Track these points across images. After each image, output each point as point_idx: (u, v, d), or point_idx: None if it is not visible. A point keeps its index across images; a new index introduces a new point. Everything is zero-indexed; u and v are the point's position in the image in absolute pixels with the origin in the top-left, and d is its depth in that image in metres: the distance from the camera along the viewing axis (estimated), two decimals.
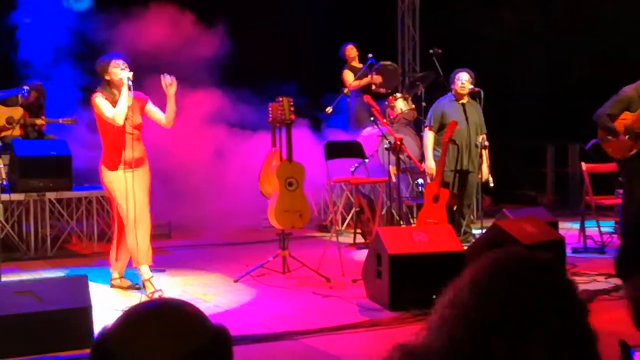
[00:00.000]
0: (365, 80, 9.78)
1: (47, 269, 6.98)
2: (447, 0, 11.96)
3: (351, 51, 10.10)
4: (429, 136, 7.69)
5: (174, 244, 8.55)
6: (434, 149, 7.65)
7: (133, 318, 1.21)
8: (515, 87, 11.78)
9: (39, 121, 8.40)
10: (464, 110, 7.58)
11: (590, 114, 8.00)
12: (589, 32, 11.22)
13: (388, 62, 9.96)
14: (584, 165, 8.05)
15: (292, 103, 6.72)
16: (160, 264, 7.22)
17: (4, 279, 5.64)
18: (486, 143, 7.52)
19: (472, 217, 7.81)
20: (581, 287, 5.59)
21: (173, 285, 6.33)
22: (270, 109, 6.78)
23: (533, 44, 12.10)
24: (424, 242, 5.43)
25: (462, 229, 7.54)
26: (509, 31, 11.90)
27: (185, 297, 5.83)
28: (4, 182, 6.39)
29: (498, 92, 8.31)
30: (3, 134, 8.12)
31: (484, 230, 6.99)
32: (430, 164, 7.59)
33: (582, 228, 7.83)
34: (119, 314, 1.24)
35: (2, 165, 5.83)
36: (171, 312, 1.22)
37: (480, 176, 7.52)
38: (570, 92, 11.28)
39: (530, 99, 12.00)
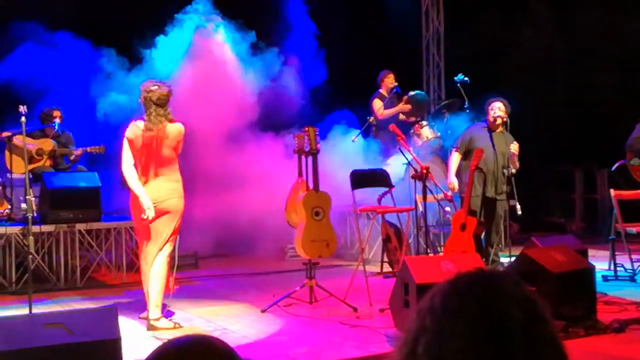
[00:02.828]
0: (396, 109, 9.79)
1: (77, 300, 7.04)
2: (471, 27, 11.99)
3: (392, 81, 9.94)
4: (453, 156, 7.66)
5: (201, 274, 8.58)
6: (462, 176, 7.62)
7: (166, 354, 1.24)
8: (541, 112, 11.72)
9: (72, 158, 8.54)
10: (492, 138, 7.53)
11: (618, 139, 7.97)
12: (616, 54, 11.17)
13: (416, 92, 9.96)
14: (612, 192, 7.96)
15: (317, 133, 6.77)
16: (187, 294, 7.26)
17: (34, 310, 5.70)
18: (512, 171, 7.46)
19: (500, 245, 7.73)
20: (612, 316, 5.57)
21: (200, 316, 6.34)
22: (296, 138, 6.83)
23: (559, 68, 12.06)
24: (452, 271, 5.38)
25: (491, 258, 7.48)
26: (534, 55, 11.88)
27: (212, 328, 5.84)
28: (35, 214, 6.49)
29: (524, 118, 8.26)
30: (33, 165, 8.24)
31: (512, 259, 6.94)
32: (450, 179, 7.56)
33: (613, 256, 7.73)
34: (150, 344, 1.27)
35: (32, 198, 5.90)
36: (202, 348, 1.25)
37: (516, 204, 7.43)
38: (598, 117, 11.21)
39: (557, 124, 11.93)
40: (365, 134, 9.85)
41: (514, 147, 7.42)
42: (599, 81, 11.29)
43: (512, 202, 7.64)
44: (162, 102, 5.82)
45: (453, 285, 1.29)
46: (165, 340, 1.31)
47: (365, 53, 11.37)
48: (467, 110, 9.16)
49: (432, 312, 1.24)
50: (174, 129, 5.85)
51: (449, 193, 7.52)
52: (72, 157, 8.60)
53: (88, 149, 8.45)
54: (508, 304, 1.22)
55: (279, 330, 5.76)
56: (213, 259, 9.28)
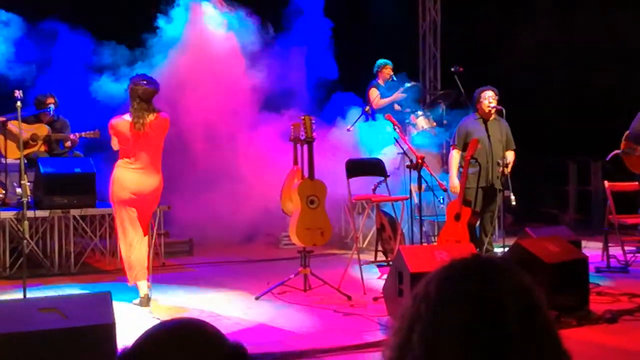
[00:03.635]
0: (391, 98, 9.77)
1: (71, 285, 7.04)
2: (468, 18, 11.98)
3: (390, 71, 9.92)
4: (454, 155, 7.64)
5: (195, 261, 8.58)
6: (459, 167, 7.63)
7: (153, 338, 1.24)
8: (536, 104, 11.74)
9: (67, 144, 8.51)
10: (487, 128, 7.55)
11: (613, 131, 7.98)
12: (611, 48, 11.18)
13: (411, 83, 9.95)
14: (606, 184, 7.99)
15: (313, 121, 6.77)
16: (181, 280, 7.27)
17: (28, 295, 5.70)
18: (507, 161, 7.47)
19: (494, 235, 7.76)
20: (605, 307, 5.61)
21: (194, 302, 6.35)
22: (292, 127, 6.83)
23: (554, 60, 12.06)
24: (446, 261, 5.39)
25: (485, 247, 7.50)
26: (530, 47, 11.88)
27: (205, 315, 5.85)
28: (29, 199, 6.47)
29: (519, 109, 8.28)
30: (27, 151, 8.21)
31: (506, 249, 6.96)
32: (454, 183, 7.56)
33: (606, 247, 7.76)
34: (142, 330, 1.27)
35: (27, 183, 5.89)
36: (190, 332, 1.25)
37: (511, 195, 7.45)
38: (592, 109, 11.23)
39: (552, 116, 11.95)
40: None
41: (510, 156, 7.47)
42: (594, 74, 11.30)
43: (506, 193, 7.65)
44: (147, 98, 6.07)
45: (448, 272, 1.28)
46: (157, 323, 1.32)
47: (361, 41, 11.33)
48: (463, 101, 9.17)
49: (427, 299, 1.24)
50: (160, 121, 6.12)
51: (444, 184, 7.53)
52: (67, 143, 8.57)
53: (83, 134, 8.41)
54: (503, 292, 1.21)
55: (272, 318, 5.77)
56: (207, 246, 9.27)
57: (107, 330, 4.08)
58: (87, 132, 8.42)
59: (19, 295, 5.77)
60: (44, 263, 7.71)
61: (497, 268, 1.27)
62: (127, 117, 6.08)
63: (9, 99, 6.26)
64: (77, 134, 8.48)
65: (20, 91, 5.92)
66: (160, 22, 9.47)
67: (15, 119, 6.21)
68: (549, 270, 5.44)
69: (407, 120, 9.47)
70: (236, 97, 9.53)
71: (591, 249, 7.96)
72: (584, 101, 11.58)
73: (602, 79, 11.11)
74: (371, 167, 7.78)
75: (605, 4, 11.30)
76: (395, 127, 7.35)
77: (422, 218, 7.43)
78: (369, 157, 8.57)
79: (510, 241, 6.84)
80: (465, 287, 1.22)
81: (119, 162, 6.16)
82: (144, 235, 6.24)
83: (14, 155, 7.95)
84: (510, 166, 7.51)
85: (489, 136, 7.50)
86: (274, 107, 9.82)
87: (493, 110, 7.51)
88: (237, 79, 9.55)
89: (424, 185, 6.88)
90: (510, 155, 7.57)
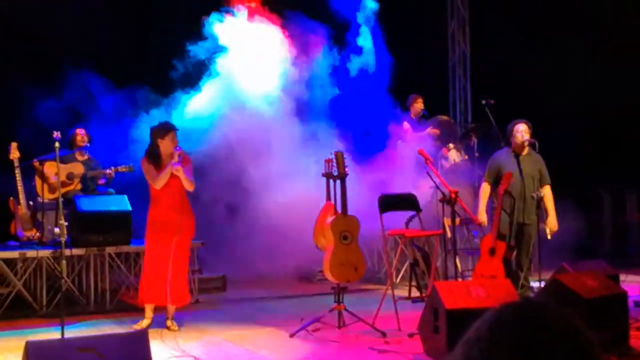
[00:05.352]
0: (423, 134, 9.79)
1: (106, 323, 7.09)
2: (497, 49, 11.98)
3: (421, 105, 10.01)
4: (483, 188, 7.62)
5: (228, 297, 8.59)
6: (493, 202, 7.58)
7: (503, 317, 1.26)
8: (568, 134, 11.65)
9: (101, 181, 8.57)
10: (519, 162, 7.50)
11: None
12: None
13: (445, 117, 9.94)
14: None
15: (345, 157, 6.80)
16: (215, 317, 7.28)
17: (66, 333, 5.74)
18: (541, 194, 7.40)
19: (530, 269, 7.67)
20: None
21: (228, 340, 6.35)
22: (325, 163, 6.86)
23: (587, 88, 11.98)
24: (482, 297, 5.36)
25: (520, 282, 7.40)
26: (561, 76, 11.83)
27: (240, 352, 5.85)
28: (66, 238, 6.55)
29: (551, 140, 8.21)
30: (64, 189, 8.31)
31: (542, 283, 6.87)
32: (482, 217, 7.52)
33: None
34: None
35: (65, 223, 5.96)
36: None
37: (546, 228, 7.38)
38: (625, 138, 11.13)
39: (584, 146, 11.85)
40: None
41: (547, 192, 7.42)
42: (628, 102, 11.21)
43: (541, 226, 7.57)
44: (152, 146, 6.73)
45: (499, 316, 1.28)
46: None
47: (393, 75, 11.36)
48: (495, 134, 9.13)
49: (479, 344, 1.24)
50: None
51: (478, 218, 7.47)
52: (101, 181, 8.63)
53: (118, 169, 8.49)
54: (555, 337, 1.22)
55: (306, 355, 5.75)
56: (241, 282, 9.28)
57: None
58: (122, 166, 8.49)
59: (57, 333, 5.82)
60: (79, 300, 7.78)
61: (549, 313, 1.27)
62: None
63: (44, 142, 6.36)
64: (112, 168, 8.54)
65: (59, 132, 6.03)
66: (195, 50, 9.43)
67: (51, 159, 6.31)
68: (587, 305, 5.35)
69: (438, 154, 9.45)
70: (274, 131, 9.50)
71: (630, 282, 7.81)
72: (616, 130, 11.47)
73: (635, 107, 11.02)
74: (404, 202, 7.75)
75: (637, 29, 11.24)
76: (427, 161, 7.33)
77: (456, 252, 7.38)
78: (401, 192, 8.54)
79: (547, 275, 6.75)
80: (518, 332, 1.23)
81: None
82: None
83: (50, 195, 8.07)
84: (549, 202, 7.43)
85: (521, 170, 7.45)
86: (313, 140, 9.72)
87: (526, 144, 7.47)
88: (279, 111, 9.53)
89: (457, 220, 6.84)
90: (547, 191, 7.48)
